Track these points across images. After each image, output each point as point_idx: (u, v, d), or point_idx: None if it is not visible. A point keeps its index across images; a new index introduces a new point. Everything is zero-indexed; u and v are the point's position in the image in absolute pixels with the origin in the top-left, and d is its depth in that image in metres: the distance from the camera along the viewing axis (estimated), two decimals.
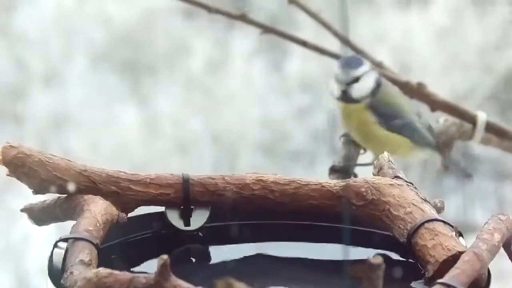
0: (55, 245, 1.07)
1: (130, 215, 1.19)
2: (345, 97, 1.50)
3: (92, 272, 0.98)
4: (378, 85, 1.51)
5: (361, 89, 1.50)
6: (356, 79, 1.49)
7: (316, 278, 1.13)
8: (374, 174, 1.24)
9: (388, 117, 1.51)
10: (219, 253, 1.21)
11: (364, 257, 0.90)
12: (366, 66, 1.51)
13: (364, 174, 1.24)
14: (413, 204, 1.14)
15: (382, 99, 1.51)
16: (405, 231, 1.12)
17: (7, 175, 1.17)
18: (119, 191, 1.18)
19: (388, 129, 1.51)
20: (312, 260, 1.18)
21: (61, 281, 1.02)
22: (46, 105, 3.36)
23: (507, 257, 1.12)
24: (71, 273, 1.01)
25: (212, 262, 1.19)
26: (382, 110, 1.51)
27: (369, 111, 1.50)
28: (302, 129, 3.49)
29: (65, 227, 1.14)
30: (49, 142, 3.33)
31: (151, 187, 1.19)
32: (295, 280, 1.12)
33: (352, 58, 1.51)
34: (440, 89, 1.66)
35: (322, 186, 1.19)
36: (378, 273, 0.87)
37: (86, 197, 1.15)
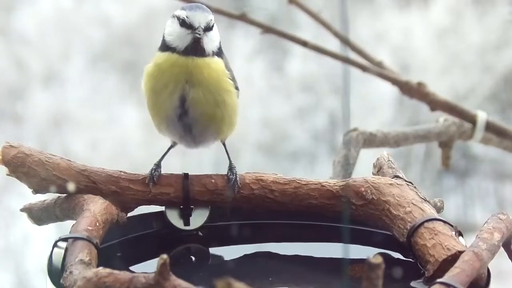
0: (55, 245, 1.07)
1: (130, 214, 1.19)
2: (197, 48, 1.20)
3: (92, 271, 0.98)
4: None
5: (213, 40, 1.22)
6: (211, 27, 1.21)
7: (316, 277, 1.13)
8: (373, 174, 1.24)
9: (233, 76, 1.25)
10: (219, 253, 1.21)
11: (364, 257, 0.90)
12: (211, 14, 1.24)
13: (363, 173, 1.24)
14: (412, 203, 1.14)
15: (225, 56, 1.26)
16: (405, 230, 1.12)
17: (7, 174, 1.18)
18: (119, 191, 1.18)
19: (236, 89, 1.25)
20: (312, 259, 1.18)
21: (61, 280, 1.02)
22: (45, 105, 3.36)
23: (507, 257, 1.12)
24: (71, 272, 1.01)
25: (212, 262, 1.20)
26: (229, 67, 1.24)
27: (223, 66, 1.22)
28: (302, 129, 3.49)
29: (65, 227, 1.14)
30: (49, 142, 3.33)
31: (146, 185, 1.19)
32: (295, 280, 1.12)
33: (197, 3, 1.23)
34: (440, 89, 1.66)
35: (322, 186, 1.20)
36: (378, 273, 0.87)
37: (85, 196, 1.15)
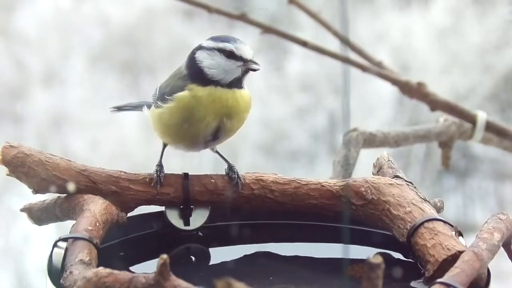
0: (55, 245, 1.07)
1: (130, 214, 1.19)
2: (242, 80, 1.21)
3: (92, 271, 0.98)
4: None
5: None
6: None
7: (316, 277, 1.13)
8: (373, 174, 1.24)
9: None
10: (219, 253, 1.21)
11: (364, 257, 0.90)
12: None
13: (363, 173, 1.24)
14: (412, 203, 1.14)
15: None
16: (405, 230, 1.12)
17: (7, 174, 1.18)
18: (119, 191, 1.18)
19: None
20: (312, 259, 1.18)
21: (61, 280, 1.02)
22: (45, 105, 3.36)
23: (507, 257, 1.12)
24: (71, 272, 1.01)
25: (212, 262, 1.20)
26: None
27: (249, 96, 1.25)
28: (302, 129, 3.49)
29: (65, 227, 1.14)
30: (49, 142, 3.33)
31: (151, 187, 1.19)
32: (295, 280, 1.12)
33: (227, 35, 1.23)
34: (440, 89, 1.66)
35: (322, 186, 1.20)
36: (378, 273, 0.87)
37: (86, 196, 1.15)
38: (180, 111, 1.19)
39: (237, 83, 1.19)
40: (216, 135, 1.20)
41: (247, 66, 1.19)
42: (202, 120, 1.18)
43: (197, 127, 1.19)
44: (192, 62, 1.20)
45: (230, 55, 1.19)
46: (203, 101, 1.18)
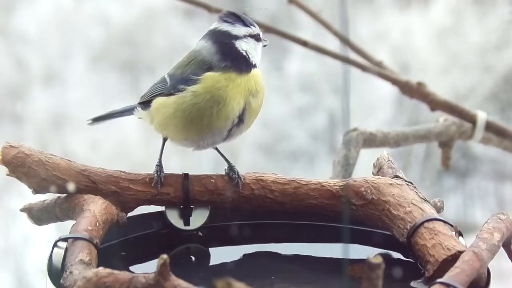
0: (55, 245, 1.07)
1: (130, 214, 1.19)
2: (251, 62, 1.22)
3: (92, 271, 0.98)
4: None
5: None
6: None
7: (316, 277, 1.13)
8: (373, 174, 1.24)
9: None
10: (219, 253, 1.21)
11: (364, 257, 0.90)
12: None
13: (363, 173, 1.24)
14: (412, 203, 1.14)
15: None
16: (405, 230, 1.12)
17: (7, 175, 1.18)
18: (119, 191, 1.18)
19: None
20: (312, 259, 1.18)
21: (61, 280, 1.02)
22: (45, 105, 3.36)
23: (507, 257, 1.12)
24: (71, 272, 1.01)
25: (212, 262, 1.19)
26: None
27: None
28: (302, 129, 3.49)
29: (65, 227, 1.14)
30: (49, 142, 3.33)
31: (151, 187, 1.19)
32: (295, 279, 1.12)
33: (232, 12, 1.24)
34: (440, 89, 1.66)
35: (322, 186, 1.20)
36: (378, 273, 0.87)
37: (85, 196, 1.15)
38: (209, 91, 1.18)
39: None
40: (241, 118, 1.19)
41: (263, 42, 1.24)
42: (233, 100, 1.18)
43: (227, 109, 1.18)
44: (232, 50, 1.20)
45: (258, 38, 1.23)
46: (234, 80, 1.19)
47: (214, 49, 1.20)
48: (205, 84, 1.18)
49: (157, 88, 1.23)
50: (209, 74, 1.19)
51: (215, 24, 1.23)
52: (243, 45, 1.21)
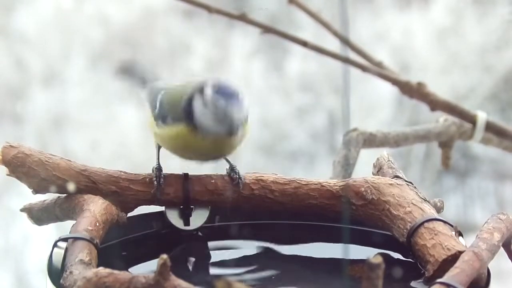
0: (55, 245, 1.07)
1: (130, 214, 1.19)
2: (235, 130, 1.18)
3: (92, 271, 0.98)
4: None
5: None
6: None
7: (316, 277, 1.13)
8: (373, 174, 1.24)
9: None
10: (219, 253, 1.21)
11: (364, 257, 0.90)
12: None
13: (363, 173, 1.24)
14: (412, 203, 1.14)
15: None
16: (405, 230, 1.12)
17: (7, 174, 1.18)
18: (119, 191, 1.18)
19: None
20: (312, 259, 1.18)
21: (61, 280, 1.02)
22: (45, 105, 3.36)
23: (507, 257, 1.12)
24: (71, 272, 1.01)
25: (212, 262, 1.19)
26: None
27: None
28: (302, 129, 3.49)
29: (65, 227, 1.14)
30: (49, 142, 3.33)
31: (151, 187, 1.19)
32: (295, 279, 1.12)
33: (227, 84, 1.19)
34: (440, 89, 1.66)
35: (322, 186, 1.20)
36: (378, 273, 0.87)
37: (85, 196, 1.15)
38: (181, 142, 1.17)
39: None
40: (216, 157, 1.19)
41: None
42: (202, 154, 1.18)
43: (198, 155, 1.18)
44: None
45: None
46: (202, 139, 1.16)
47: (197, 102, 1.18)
48: (177, 134, 1.17)
49: (150, 101, 1.23)
50: (181, 128, 1.17)
51: (211, 82, 1.17)
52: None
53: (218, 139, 1.16)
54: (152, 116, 1.21)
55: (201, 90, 1.16)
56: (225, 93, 1.16)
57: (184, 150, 1.19)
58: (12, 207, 3.03)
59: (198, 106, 1.16)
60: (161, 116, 1.20)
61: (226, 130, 1.15)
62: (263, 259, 1.18)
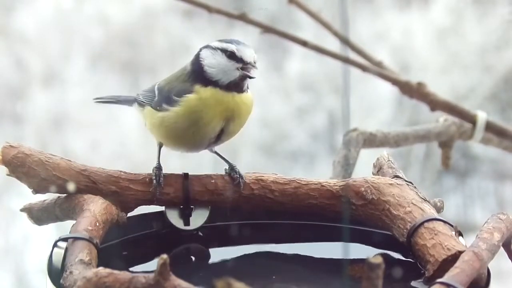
0: (55, 245, 1.07)
1: (130, 214, 1.19)
2: (241, 84, 1.19)
3: (92, 271, 0.98)
4: None
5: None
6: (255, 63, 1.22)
7: (316, 277, 1.13)
8: (373, 174, 1.24)
9: None
10: (219, 253, 1.21)
11: (364, 257, 0.90)
12: None
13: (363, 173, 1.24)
14: (412, 203, 1.14)
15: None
16: (405, 230, 1.12)
17: (7, 174, 1.18)
18: (119, 191, 1.18)
19: None
20: (312, 259, 1.18)
21: (61, 280, 1.02)
22: (45, 105, 3.36)
23: (507, 257, 1.12)
24: (71, 272, 1.01)
25: (212, 262, 1.19)
26: None
27: (252, 102, 1.22)
28: (302, 129, 3.49)
29: (65, 227, 1.14)
30: (49, 142, 3.33)
31: (151, 186, 1.19)
32: (295, 279, 1.12)
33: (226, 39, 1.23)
34: (440, 89, 1.66)
35: (322, 186, 1.20)
36: (378, 273, 0.87)
37: (85, 196, 1.15)
38: (188, 114, 1.18)
39: (236, 87, 1.19)
40: (218, 137, 1.20)
41: (246, 69, 1.18)
42: (209, 123, 1.18)
43: (204, 130, 1.19)
44: (196, 60, 1.20)
45: (231, 55, 1.19)
46: (209, 103, 1.18)
47: (191, 60, 1.20)
48: (184, 107, 1.18)
49: (147, 97, 1.24)
50: (188, 97, 1.19)
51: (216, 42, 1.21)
52: (204, 54, 1.19)
53: (228, 96, 1.17)
54: (152, 108, 1.22)
55: (206, 46, 1.20)
56: (230, 40, 1.19)
57: (197, 123, 1.18)
58: (12, 207, 3.03)
59: (208, 58, 1.19)
60: (163, 99, 1.20)
61: (241, 74, 1.17)
62: (263, 259, 1.18)
